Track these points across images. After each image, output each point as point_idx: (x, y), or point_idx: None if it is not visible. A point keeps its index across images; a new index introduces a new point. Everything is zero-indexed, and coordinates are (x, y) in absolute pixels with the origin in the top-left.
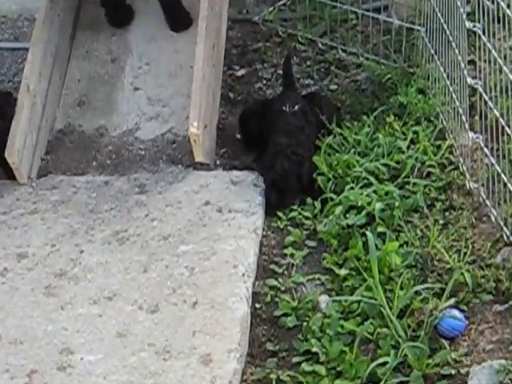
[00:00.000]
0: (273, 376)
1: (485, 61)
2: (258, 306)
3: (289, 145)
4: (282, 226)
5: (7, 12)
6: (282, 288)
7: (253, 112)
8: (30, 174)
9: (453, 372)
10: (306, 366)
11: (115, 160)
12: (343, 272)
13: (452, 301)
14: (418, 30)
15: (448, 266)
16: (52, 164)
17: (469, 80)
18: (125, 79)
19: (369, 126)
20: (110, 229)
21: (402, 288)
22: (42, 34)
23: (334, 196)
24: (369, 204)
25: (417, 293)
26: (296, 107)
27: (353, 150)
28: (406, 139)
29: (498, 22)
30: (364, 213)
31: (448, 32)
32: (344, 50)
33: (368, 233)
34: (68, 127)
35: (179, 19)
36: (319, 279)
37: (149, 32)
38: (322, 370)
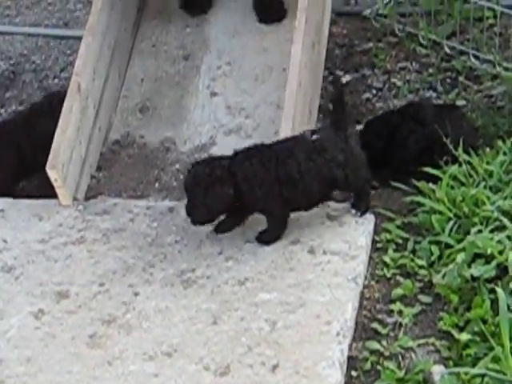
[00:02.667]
0: None
1: None
2: (354, 374)
3: None
4: (389, 275)
5: None
6: (386, 353)
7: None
8: (76, 194)
9: None
10: None
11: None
12: (464, 337)
13: None
14: None
15: None
16: (104, 183)
17: None
18: (200, 82)
19: (504, 153)
20: (174, 267)
21: None
22: (98, 21)
23: (454, 241)
24: (500, 253)
25: None
26: None
27: (483, 184)
28: None
29: None
30: (494, 263)
31: None
32: (477, 57)
33: (498, 289)
34: (126, 138)
35: (271, 9)
36: (433, 344)
37: (231, 24)
38: None
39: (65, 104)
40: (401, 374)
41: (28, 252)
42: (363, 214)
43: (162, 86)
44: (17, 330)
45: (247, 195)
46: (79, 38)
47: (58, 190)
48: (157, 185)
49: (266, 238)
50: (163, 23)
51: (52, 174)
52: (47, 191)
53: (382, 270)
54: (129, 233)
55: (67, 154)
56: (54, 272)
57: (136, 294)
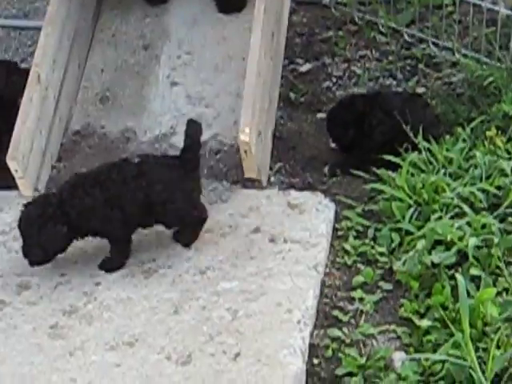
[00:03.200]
0: None
1: None
2: (315, 361)
3: None
4: (349, 263)
5: None
6: (347, 340)
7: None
8: (36, 184)
9: None
10: None
11: None
12: (425, 323)
13: None
14: None
15: None
16: (65, 174)
17: None
18: (160, 71)
19: (464, 140)
20: (134, 257)
21: (498, 347)
22: (57, 12)
23: (415, 228)
24: (460, 239)
25: None
26: None
27: (443, 171)
28: (510, 159)
29: None
30: (454, 250)
31: None
32: (436, 44)
33: (458, 275)
34: (87, 128)
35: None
36: (394, 331)
37: (191, 14)
38: None
39: (25, 95)
40: (362, 360)
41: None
42: (186, 246)
43: (123, 76)
44: None
45: (83, 226)
46: (39, 29)
47: (18, 181)
48: None
49: (108, 265)
50: (123, 13)
51: (12, 164)
52: (9, 182)
53: (343, 257)
54: None
55: (27, 145)
56: (15, 263)
57: (97, 284)
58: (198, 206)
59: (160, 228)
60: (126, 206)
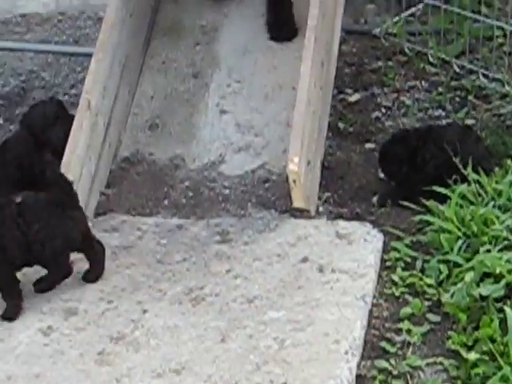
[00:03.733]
0: None
1: None
2: None
3: None
4: (397, 294)
5: (67, 8)
6: (395, 372)
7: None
8: (85, 210)
9: None
10: None
11: (192, 199)
12: (473, 356)
13: None
14: None
15: None
16: (114, 200)
17: None
18: (209, 99)
19: None
20: (182, 285)
21: None
22: (109, 38)
23: (463, 260)
24: (509, 272)
25: None
26: None
27: (492, 203)
28: None
29: None
30: (503, 283)
31: None
32: (486, 76)
33: (507, 308)
34: (136, 155)
35: (283, 26)
36: (441, 364)
37: (241, 42)
38: None
39: (75, 121)
40: None
41: (37, 268)
42: (43, 292)
43: (172, 104)
44: (25, 346)
45: None
46: (89, 55)
47: None
48: (166, 202)
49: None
50: (173, 40)
51: None
52: None
53: (391, 288)
54: (137, 250)
55: (77, 171)
56: (63, 289)
57: (144, 312)
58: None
59: (207, 255)
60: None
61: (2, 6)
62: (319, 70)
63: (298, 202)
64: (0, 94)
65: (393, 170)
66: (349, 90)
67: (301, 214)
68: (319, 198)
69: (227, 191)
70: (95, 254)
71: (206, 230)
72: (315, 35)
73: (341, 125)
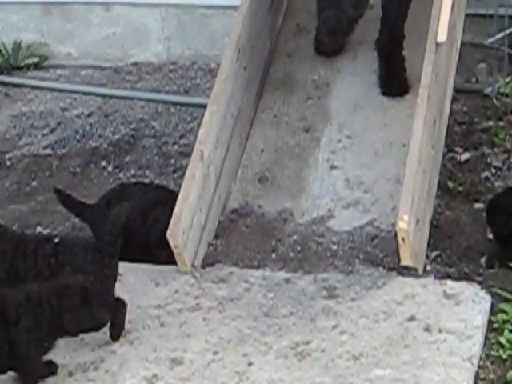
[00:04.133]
0: None
1: None
2: None
3: None
4: (504, 357)
5: (178, 58)
6: None
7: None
8: (194, 261)
9: None
10: None
11: (300, 253)
12: None
13: None
14: None
15: None
16: (222, 251)
17: None
18: (319, 154)
19: None
20: (288, 339)
21: None
22: (223, 90)
23: None
24: None
25: None
26: None
27: None
28: None
29: None
30: None
31: None
32: None
33: None
34: (245, 207)
35: (396, 81)
36: None
37: (353, 97)
38: None
39: (187, 172)
40: None
41: (144, 317)
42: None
43: (282, 157)
44: None
45: None
46: (199, 106)
47: (176, 257)
48: (274, 255)
49: None
50: (285, 94)
51: (172, 240)
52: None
53: (498, 351)
54: (244, 302)
55: (188, 221)
56: (169, 338)
57: (250, 364)
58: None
59: (313, 310)
60: None
61: (114, 54)
62: (431, 128)
63: (406, 260)
64: (110, 141)
65: (500, 224)
66: (459, 149)
67: (408, 272)
68: (427, 257)
69: (335, 246)
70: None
71: (313, 285)
72: (428, 93)
73: (450, 184)
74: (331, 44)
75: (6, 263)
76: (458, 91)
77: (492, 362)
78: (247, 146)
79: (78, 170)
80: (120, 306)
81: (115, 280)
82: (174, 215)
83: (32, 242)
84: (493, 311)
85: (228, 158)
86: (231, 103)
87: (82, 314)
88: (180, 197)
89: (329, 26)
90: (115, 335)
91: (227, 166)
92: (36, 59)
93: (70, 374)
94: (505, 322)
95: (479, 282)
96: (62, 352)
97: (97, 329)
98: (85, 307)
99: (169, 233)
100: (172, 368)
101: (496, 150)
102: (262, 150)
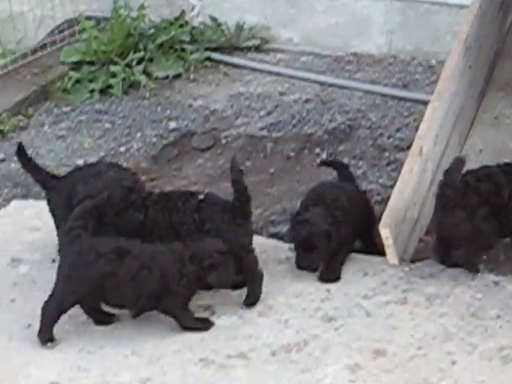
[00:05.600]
0: None
1: None
2: None
3: None
4: None
5: (399, 52)
6: None
7: None
8: (403, 254)
9: None
10: None
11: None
12: None
13: None
14: None
15: None
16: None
17: None
18: None
19: None
20: (494, 341)
21: None
22: (447, 87)
23: None
24: None
25: None
26: None
27: None
28: None
29: None
30: None
31: None
32: None
33: None
34: None
35: None
36: None
37: None
38: None
39: (405, 165)
40: None
41: (350, 305)
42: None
43: (500, 159)
44: (331, 379)
45: None
46: (417, 101)
47: (387, 249)
48: (484, 257)
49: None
50: (508, 96)
51: (384, 232)
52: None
53: None
54: (452, 300)
55: (401, 215)
56: (374, 328)
57: (453, 363)
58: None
59: None
60: None
61: (335, 43)
62: None
63: None
64: (326, 128)
65: None
66: None
67: None
68: None
69: None
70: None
71: None
72: None
73: None
74: None
75: (166, 220)
76: None
77: None
78: (466, 144)
79: (292, 154)
80: (257, 274)
81: (250, 242)
82: (388, 207)
83: (181, 196)
84: None
85: (446, 155)
86: (454, 101)
87: (222, 274)
88: (396, 190)
89: None
90: (248, 302)
91: (444, 163)
92: (257, 42)
93: (273, 354)
94: None
95: None
96: (266, 331)
97: (236, 288)
98: (223, 268)
99: (382, 224)
100: (375, 358)
101: None
102: (481, 151)
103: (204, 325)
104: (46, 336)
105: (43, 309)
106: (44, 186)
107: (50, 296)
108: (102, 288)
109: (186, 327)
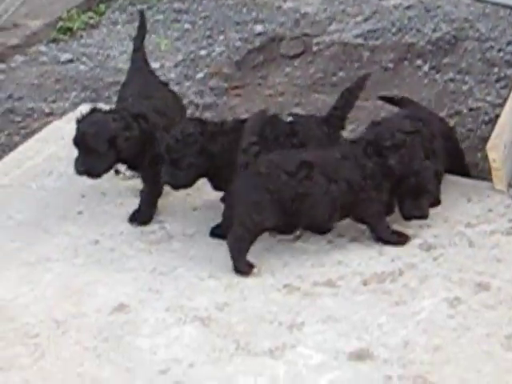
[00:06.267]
0: None
1: None
2: None
3: None
4: None
5: None
6: None
7: None
8: (510, 179)
9: None
10: None
11: None
12: None
13: None
14: None
15: None
16: None
17: None
18: None
19: None
20: None
21: None
22: None
23: None
24: None
25: None
26: None
27: None
28: None
29: None
30: None
31: None
32: None
33: None
34: None
35: None
36: None
37: None
38: None
39: None
40: None
41: (451, 233)
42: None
43: None
44: (428, 313)
45: None
46: None
47: (493, 173)
48: None
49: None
50: None
51: (491, 154)
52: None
53: None
54: None
55: (510, 137)
56: (477, 260)
57: None
58: None
59: None
60: None
61: None
62: None
63: None
64: (429, 38)
65: None
66: None
67: None
68: None
69: None
70: None
71: None
72: None
73: None
74: None
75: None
76: None
77: None
78: None
79: (390, 65)
80: None
81: None
82: (497, 126)
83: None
84: None
85: None
86: None
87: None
88: (506, 108)
89: None
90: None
91: None
92: None
93: (365, 283)
94: None
95: None
96: (358, 259)
97: None
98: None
99: (489, 145)
100: (477, 293)
101: None
102: None
103: (400, 238)
104: (245, 267)
105: (229, 241)
106: None
107: (236, 226)
108: (296, 209)
109: (381, 238)
